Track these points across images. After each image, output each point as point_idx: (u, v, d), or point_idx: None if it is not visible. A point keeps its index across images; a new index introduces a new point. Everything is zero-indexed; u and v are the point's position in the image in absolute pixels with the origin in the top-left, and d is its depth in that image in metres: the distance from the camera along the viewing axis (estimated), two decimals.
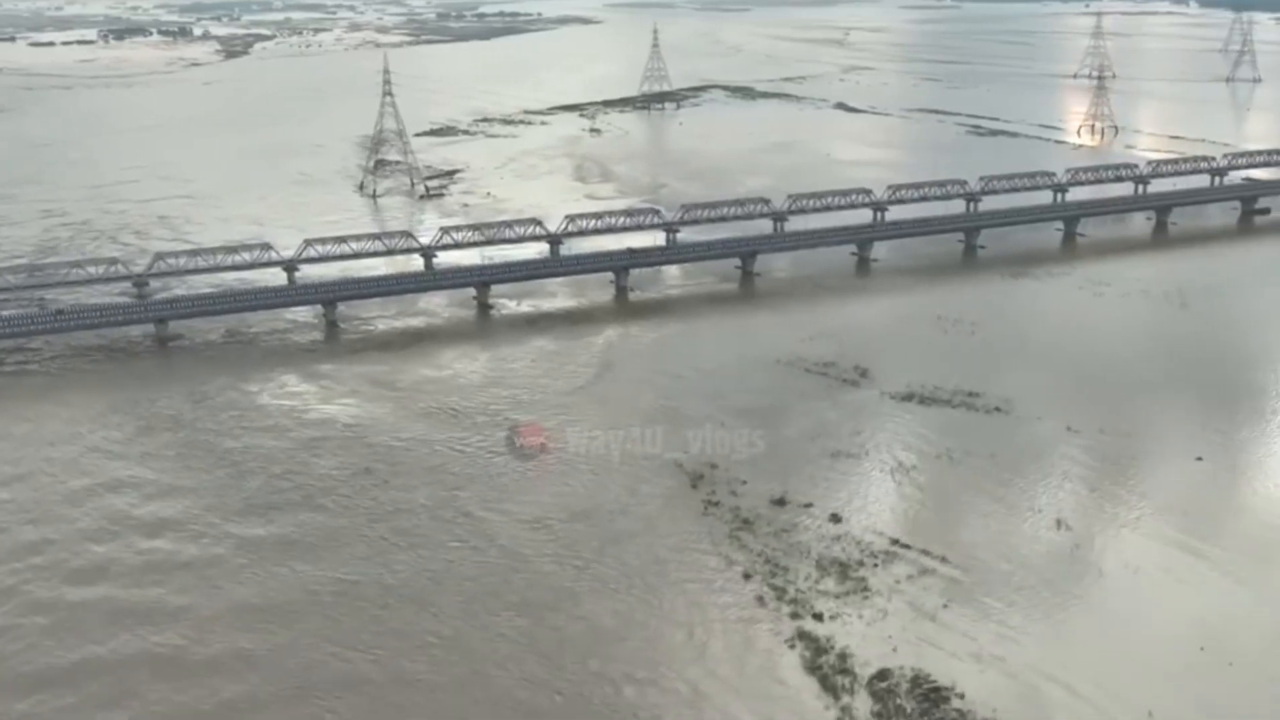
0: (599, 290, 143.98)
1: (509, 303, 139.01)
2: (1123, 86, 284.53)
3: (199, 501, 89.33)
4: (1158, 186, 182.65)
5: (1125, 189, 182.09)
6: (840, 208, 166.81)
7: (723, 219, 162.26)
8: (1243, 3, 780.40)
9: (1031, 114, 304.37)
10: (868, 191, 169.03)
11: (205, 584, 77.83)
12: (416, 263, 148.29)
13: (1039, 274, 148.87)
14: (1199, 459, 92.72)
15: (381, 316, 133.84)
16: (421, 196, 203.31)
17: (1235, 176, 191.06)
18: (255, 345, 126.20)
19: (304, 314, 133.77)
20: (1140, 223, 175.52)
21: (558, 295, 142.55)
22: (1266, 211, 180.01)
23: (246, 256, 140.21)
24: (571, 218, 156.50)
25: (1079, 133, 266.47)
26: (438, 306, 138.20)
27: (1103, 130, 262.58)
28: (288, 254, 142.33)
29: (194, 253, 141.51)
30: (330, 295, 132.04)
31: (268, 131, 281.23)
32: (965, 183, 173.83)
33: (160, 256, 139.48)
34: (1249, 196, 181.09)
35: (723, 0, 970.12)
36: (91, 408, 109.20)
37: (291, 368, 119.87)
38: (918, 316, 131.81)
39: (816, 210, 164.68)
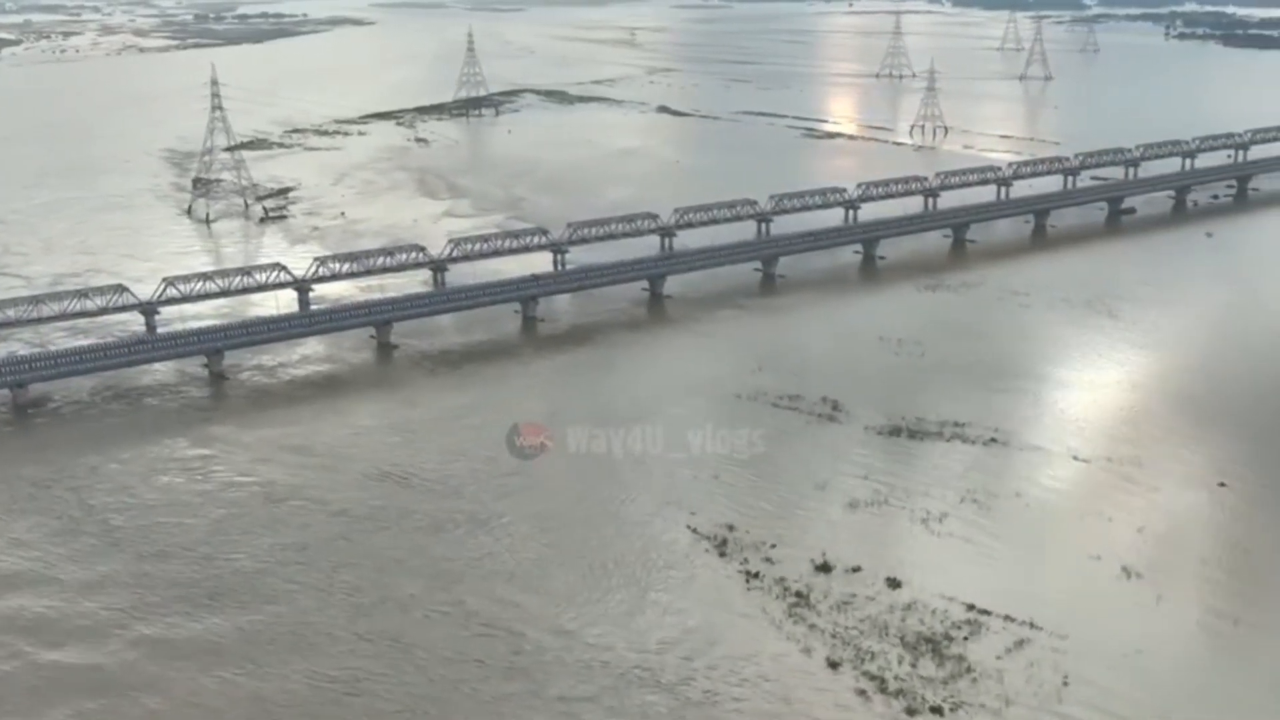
0: (504, 320, 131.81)
1: (412, 341, 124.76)
2: (925, 85, 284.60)
3: (118, 622, 73.45)
4: (1019, 188, 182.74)
5: (990, 192, 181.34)
6: (728, 220, 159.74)
7: (611, 236, 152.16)
8: (993, 2, 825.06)
9: (854, 115, 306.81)
10: (753, 203, 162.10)
11: None
12: (290, 297, 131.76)
13: (952, 285, 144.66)
14: (1221, 484, 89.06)
15: (281, 365, 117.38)
16: (262, 219, 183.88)
17: (1085, 176, 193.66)
18: (137, 406, 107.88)
19: (187, 363, 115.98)
20: (1016, 224, 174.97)
21: (464, 329, 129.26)
22: (1132, 211, 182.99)
23: (100, 301, 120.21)
24: (456, 241, 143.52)
25: (911, 133, 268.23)
26: (333, 349, 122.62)
27: (934, 131, 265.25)
28: (140, 290, 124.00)
29: (36, 299, 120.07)
30: (215, 344, 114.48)
31: (61, 147, 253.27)
32: (844, 190, 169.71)
33: None
34: (1116, 197, 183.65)
35: (495, 0, 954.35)
36: None
37: (182, 432, 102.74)
38: (857, 337, 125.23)
39: (704, 224, 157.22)
